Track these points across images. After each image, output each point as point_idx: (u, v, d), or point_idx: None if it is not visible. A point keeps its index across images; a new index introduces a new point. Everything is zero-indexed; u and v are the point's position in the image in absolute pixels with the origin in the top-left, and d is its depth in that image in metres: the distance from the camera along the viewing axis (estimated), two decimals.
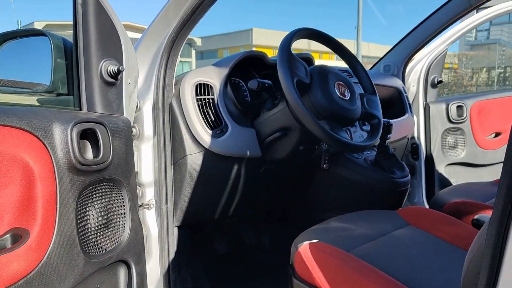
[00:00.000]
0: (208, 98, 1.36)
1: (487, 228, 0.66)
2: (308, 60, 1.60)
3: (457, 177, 2.49)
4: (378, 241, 1.25)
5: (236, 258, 1.86)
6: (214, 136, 1.33)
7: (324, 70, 1.34)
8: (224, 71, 1.41)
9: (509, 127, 2.58)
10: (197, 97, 1.34)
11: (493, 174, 2.61)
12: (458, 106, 2.40)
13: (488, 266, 0.64)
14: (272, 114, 1.39)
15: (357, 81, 1.54)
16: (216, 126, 1.35)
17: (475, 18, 2.26)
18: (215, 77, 1.40)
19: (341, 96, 1.32)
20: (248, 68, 1.55)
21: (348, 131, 1.38)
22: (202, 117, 1.33)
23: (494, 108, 2.54)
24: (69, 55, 1.13)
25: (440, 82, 2.38)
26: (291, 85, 1.20)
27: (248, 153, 1.39)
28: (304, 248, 1.16)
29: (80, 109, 1.10)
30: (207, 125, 1.33)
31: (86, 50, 1.08)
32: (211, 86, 1.38)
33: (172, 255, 1.40)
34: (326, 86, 1.30)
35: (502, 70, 19.38)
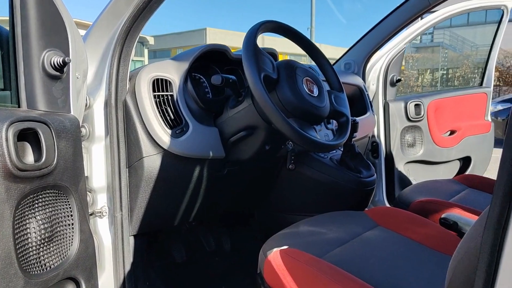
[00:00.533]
0: (166, 95, 1.25)
1: (483, 234, 0.61)
2: (273, 55, 1.52)
3: (415, 174, 2.51)
4: (349, 245, 1.19)
5: (197, 265, 1.76)
6: (173, 136, 1.22)
7: (291, 65, 1.27)
8: (184, 65, 1.31)
9: (462, 125, 2.64)
10: (155, 93, 1.23)
11: (449, 171, 2.67)
12: (416, 105, 2.42)
13: (484, 272, 0.59)
14: (236, 112, 1.30)
15: (323, 78, 1.48)
16: (176, 125, 1.24)
17: (432, 17, 2.29)
18: (174, 72, 1.29)
19: (310, 93, 1.25)
20: (209, 63, 1.45)
21: (314, 130, 1.32)
22: (160, 115, 1.22)
23: (449, 107, 2.59)
24: (5, 44, 0.99)
25: (399, 80, 2.39)
26: (258, 80, 1.11)
27: (210, 153, 1.29)
28: (273, 256, 1.08)
29: (19, 106, 0.96)
30: (165, 124, 1.22)
31: (26, 38, 0.94)
32: (169, 81, 1.27)
33: (128, 267, 1.28)
34: (294, 82, 1.23)
35: (445, 72, 20.39)
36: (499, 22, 2.68)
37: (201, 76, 1.41)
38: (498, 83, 15.56)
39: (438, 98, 2.54)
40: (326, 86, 1.47)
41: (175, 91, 1.27)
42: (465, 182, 1.89)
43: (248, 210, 1.82)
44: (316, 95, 1.26)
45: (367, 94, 2.21)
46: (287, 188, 1.64)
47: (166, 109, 1.24)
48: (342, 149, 1.62)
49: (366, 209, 1.72)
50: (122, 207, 1.23)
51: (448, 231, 1.31)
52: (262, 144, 1.33)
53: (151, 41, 24.66)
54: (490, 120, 2.76)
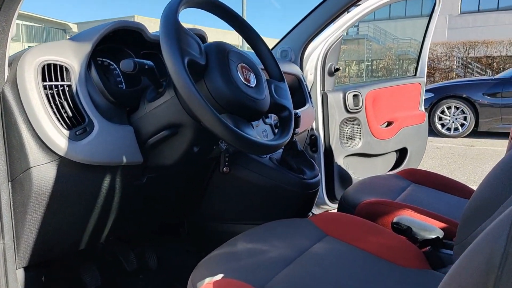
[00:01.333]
0: (62, 85, 0.97)
1: (506, 245, 0.44)
2: (201, 37, 1.28)
3: (354, 168, 2.41)
4: (297, 263, 1.00)
5: None
6: (73, 138, 0.94)
7: (223, 48, 1.04)
8: (86, 47, 1.02)
9: (398, 116, 2.58)
10: (45, 83, 0.94)
11: (387, 163, 2.60)
12: (354, 95, 2.30)
13: None
14: (156, 107, 1.05)
15: (261, 66, 1.26)
16: (76, 124, 0.97)
17: (371, 3, 2.17)
18: (72, 56, 1.00)
19: (246, 83, 1.03)
20: (122, 46, 1.18)
21: (252, 127, 1.10)
22: (54, 112, 0.94)
23: (385, 97, 2.51)
24: None
25: (337, 70, 2.25)
26: (181, 66, 0.87)
27: (124, 159, 1.03)
28: None
29: None
30: (61, 123, 0.94)
31: None
32: (66, 68, 0.98)
33: None
34: (227, 69, 1.00)
35: (369, 63, 21.28)
36: (432, 12, 2.64)
37: (111, 62, 1.13)
38: None
39: (375, 89, 2.44)
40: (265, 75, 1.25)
41: (74, 80, 0.98)
42: (409, 177, 1.79)
43: (176, 221, 1.57)
44: (253, 85, 1.05)
45: (306, 84, 2.04)
46: (221, 194, 1.42)
47: (61, 104, 0.96)
48: (282, 147, 1.43)
49: (310, 213, 1.55)
50: (3, 233, 0.93)
51: (403, 239, 1.17)
52: (189, 146, 1.09)
53: (74, 28, 22.96)
54: (423, 110, 2.74)
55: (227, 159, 1.31)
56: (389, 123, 2.54)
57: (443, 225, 1.29)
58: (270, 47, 1.53)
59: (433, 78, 16.35)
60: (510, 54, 15.96)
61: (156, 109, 1.05)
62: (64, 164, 0.95)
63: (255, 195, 1.38)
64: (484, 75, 15.48)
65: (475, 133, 6.66)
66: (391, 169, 2.60)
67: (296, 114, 1.30)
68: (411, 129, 2.61)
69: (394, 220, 1.24)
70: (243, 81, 1.02)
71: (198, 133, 1.07)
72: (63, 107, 0.96)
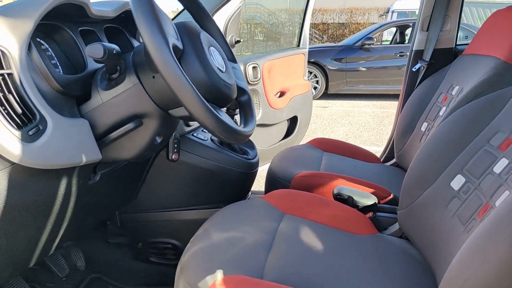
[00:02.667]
0: (1, 74, 0.77)
1: None
2: None
3: (254, 139, 2.47)
4: (276, 247, 1.02)
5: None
6: (25, 139, 0.77)
7: (194, 30, 0.94)
8: (26, 24, 0.82)
9: (289, 85, 2.71)
10: None
11: (280, 131, 2.74)
12: (253, 67, 2.33)
13: None
14: (115, 96, 0.91)
15: None
16: (27, 122, 0.79)
17: None
18: (6, 36, 0.80)
19: (219, 67, 0.96)
20: (55, 21, 0.97)
21: None
22: None
23: (278, 68, 2.61)
24: None
25: (238, 41, 2.24)
26: (169, 53, 0.77)
27: (83, 158, 0.88)
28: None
29: None
30: (10, 123, 0.76)
31: None
32: (2, 52, 0.78)
33: None
34: (203, 54, 0.91)
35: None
36: None
37: (41, 41, 0.94)
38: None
39: (269, 60, 2.51)
40: None
41: (15, 67, 0.79)
42: (320, 147, 1.93)
43: (112, 214, 1.43)
44: (224, 70, 0.99)
45: None
46: (165, 181, 1.32)
47: (5, 98, 0.76)
48: None
49: (250, 193, 1.56)
50: None
51: (351, 209, 1.28)
52: (153, 137, 0.99)
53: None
54: (307, 79, 2.93)
55: (175, 145, 1.22)
56: (282, 93, 2.66)
57: (372, 190, 1.44)
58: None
59: (279, 43, 17.36)
60: (341, 21, 17.83)
61: (115, 99, 0.91)
62: (17, 172, 0.77)
63: (201, 179, 1.33)
64: (321, 40, 17.07)
65: (326, 95, 7.39)
66: (284, 137, 2.74)
67: None
68: (300, 98, 2.78)
69: (335, 191, 1.34)
70: (216, 65, 0.95)
71: (163, 122, 0.97)
72: (8, 102, 0.76)
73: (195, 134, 1.34)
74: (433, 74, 1.80)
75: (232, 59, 1.17)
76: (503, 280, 0.65)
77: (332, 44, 7.67)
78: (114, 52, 0.84)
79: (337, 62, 7.32)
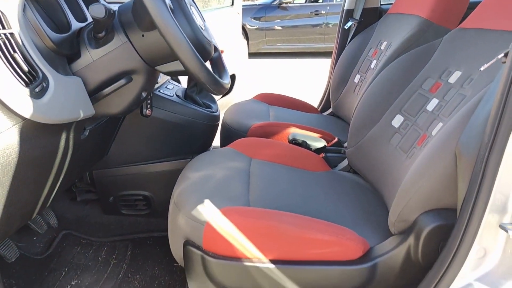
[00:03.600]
0: (5, 34, 0.80)
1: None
2: None
3: None
4: (253, 184, 1.17)
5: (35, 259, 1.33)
6: (34, 96, 0.82)
7: None
8: None
9: (226, 44, 2.80)
10: None
11: None
12: None
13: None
14: (105, 54, 0.97)
15: None
16: (32, 79, 0.83)
17: None
18: None
19: (200, 26, 1.05)
20: None
21: None
22: (9, 68, 0.78)
23: (216, 26, 2.67)
24: None
25: None
26: (168, 12, 0.85)
27: (81, 113, 0.94)
28: (214, 220, 0.96)
29: None
30: (18, 80, 0.80)
31: None
32: (2, 12, 0.80)
33: None
34: (188, 13, 1.00)
35: None
36: None
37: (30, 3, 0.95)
38: None
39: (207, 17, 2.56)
40: None
41: (14, 26, 0.82)
42: (265, 100, 2.09)
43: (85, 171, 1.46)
44: (204, 28, 1.07)
45: None
46: (136, 136, 1.39)
47: (13, 57, 0.80)
48: (180, 83, 1.48)
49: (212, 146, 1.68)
50: None
51: (307, 151, 1.47)
52: (140, 92, 1.06)
53: None
54: (242, 37, 3.03)
55: (149, 101, 1.29)
56: (221, 51, 2.74)
57: (320, 135, 1.64)
58: None
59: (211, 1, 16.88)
60: None
61: (105, 57, 0.97)
62: (28, 127, 0.82)
63: (170, 132, 1.42)
64: None
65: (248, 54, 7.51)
66: (224, 95, 2.86)
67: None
68: (236, 57, 2.89)
69: (291, 137, 1.52)
70: (199, 24, 1.04)
71: (149, 77, 1.05)
72: (15, 60, 0.80)
73: (161, 91, 1.41)
74: (362, 31, 2.02)
75: (202, 18, 1.25)
76: (445, 188, 0.87)
77: (251, 2, 7.76)
78: (112, 12, 0.90)
79: (256, 21, 7.42)
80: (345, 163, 1.47)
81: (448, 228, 0.87)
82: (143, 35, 0.98)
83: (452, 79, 1.13)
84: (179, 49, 0.87)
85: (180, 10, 0.98)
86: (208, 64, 1.16)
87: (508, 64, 0.72)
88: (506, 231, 0.73)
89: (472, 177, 0.78)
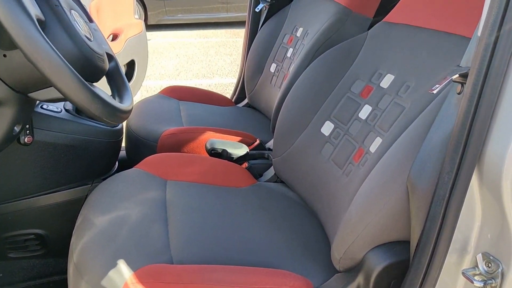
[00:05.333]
0: None
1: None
2: None
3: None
4: (171, 222, 0.99)
5: None
6: None
7: None
8: None
9: (120, 27, 2.47)
10: None
11: None
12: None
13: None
14: None
15: None
16: None
17: None
18: None
19: (86, 35, 0.80)
20: None
21: None
22: None
23: (105, 7, 2.33)
24: None
25: None
26: (31, 24, 0.61)
27: None
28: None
29: None
30: None
31: None
32: None
33: None
34: (68, 23, 0.74)
35: None
36: None
37: None
38: None
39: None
40: None
41: None
42: (173, 95, 1.86)
43: None
44: (92, 38, 0.83)
45: None
46: (21, 168, 1.10)
47: None
48: None
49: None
50: None
51: (227, 162, 1.30)
52: (10, 127, 0.80)
53: None
54: (138, 18, 2.70)
55: (27, 126, 1.01)
56: (114, 36, 2.41)
57: (239, 138, 1.48)
58: None
59: None
60: None
61: None
62: None
63: (62, 157, 1.15)
64: None
65: (146, 26, 6.98)
66: None
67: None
68: (134, 40, 2.57)
69: (209, 146, 1.34)
70: (83, 33, 0.79)
71: (21, 107, 0.79)
72: None
73: (45, 107, 1.13)
74: (275, 14, 1.86)
75: (89, 18, 0.99)
76: (397, 222, 0.77)
77: None
78: None
79: None
80: (271, 171, 1.34)
81: (400, 264, 0.78)
82: (4, 55, 0.72)
83: (385, 83, 1.03)
84: (55, 76, 0.64)
85: (55, 18, 0.73)
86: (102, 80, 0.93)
87: (467, 96, 0.62)
88: (472, 281, 0.65)
89: (429, 216, 0.69)
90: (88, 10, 2.02)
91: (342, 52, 1.19)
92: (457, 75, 0.66)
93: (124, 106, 0.84)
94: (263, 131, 1.67)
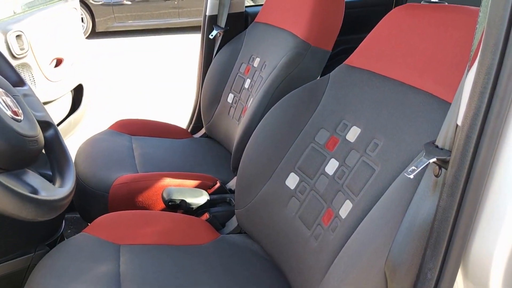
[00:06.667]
0: None
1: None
2: None
3: None
4: None
5: None
6: None
7: None
8: None
9: (66, 50, 2.29)
10: None
11: (64, 105, 2.34)
12: (17, 36, 1.86)
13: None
14: None
15: None
16: None
17: None
18: None
19: (14, 116, 0.68)
20: None
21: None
22: None
23: (48, 30, 2.15)
24: None
25: None
26: None
27: None
28: None
29: None
30: None
31: None
32: None
33: None
34: None
35: None
36: None
37: None
38: None
39: (37, 22, 2.04)
40: None
41: None
42: (125, 130, 1.74)
43: None
44: (22, 117, 0.71)
45: None
46: None
47: None
48: None
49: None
50: None
51: (185, 217, 1.21)
52: None
53: None
54: (84, 37, 2.53)
55: None
56: (59, 61, 2.24)
57: (198, 181, 1.39)
58: None
59: None
60: None
61: None
62: None
63: None
64: None
65: (95, 34, 6.70)
66: (70, 111, 2.37)
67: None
68: (80, 62, 2.41)
69: (166, 197, 1.25)
70: (9, 114, 0.68)
71: None
72: None
73: None
74: (230, 40, 1.78)
75: (21, 83, 0.86)
76: None
77: None
78: None
79: None
80: (234, 221, 1.25)
81: None
82: None
83: (351, 136, 0.98)
84: None
85: None
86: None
87: (449, 187, 0.57)
88: None
89: None
90: (26, 35, 1.85)
91: (303, 96, 1.13)
92: (434, 159, 0.61)
93: (63, 192, 0.73)
94: (224, 167, 1.59)
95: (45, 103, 2.08)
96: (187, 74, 4.86)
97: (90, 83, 2.48)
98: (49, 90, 2.10)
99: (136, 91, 4.33)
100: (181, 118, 2.17)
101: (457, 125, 0.57)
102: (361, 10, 2.08)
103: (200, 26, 1.89)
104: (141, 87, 4.45)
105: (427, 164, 0.62)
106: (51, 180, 0.82)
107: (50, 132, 0.87)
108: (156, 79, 4.72)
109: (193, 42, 6.32)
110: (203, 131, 1.89)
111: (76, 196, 1.39)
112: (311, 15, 1.38)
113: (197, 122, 1.95)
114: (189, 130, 1.97)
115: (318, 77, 1.45)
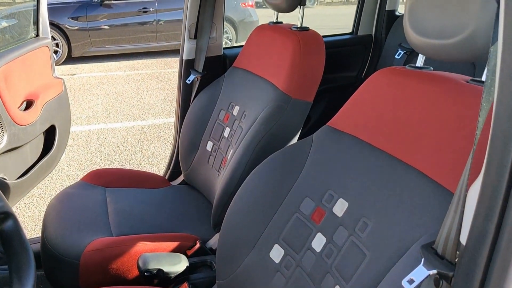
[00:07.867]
0: None
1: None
2: None
3: (5, 170, 1.94)
4: None
5: None
6: None
7: None
8: None
9: (36, 91, 2.20)
10: None
11: (36, 149, 2.24)
12: None
13: None
14: None
15: None
16: None
17: None
18: None
19: None
20: None
21: None
22: None
23: (17, 72, 2.06)
24: None
25: None
26: None
27: None
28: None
29: None
30: None
31: None
32: None
33: None
34: None
35: None
36: None
37: None
38: None
39: (4, 64, 1.95)
40: None
41: None
42: (97, 182, 1.65)
43: None
44: None
45: None
46: None
47: None
48: None
49: None
50: None
51: None
52: None
53: None
54: (57, 76, 2.44)
55: None
56: (29, 103, 2.14)
57: (176, 243, 1.31)
58: None
59: (6, 36, 14.31)
60: None
61: None
62: None
63: None
64: None
65: (71, 59, 6.58)
66: (42, 153, 2.26)
67: None
68: (54, 103, 2.31)
69: (142, 267, 1.17)
70: None
71: None
72: None
73: None
74: (208, 85, 1.73)
75: None
76: None
77: (69, 0, 6.72)
78: None
79: (77, 21, 6.53)
80: None
81: None
82: None
83: (338, 209, 0.92)
84: None
85: None
86: None
87: None
88: None
89: None
90: None
91: (286, 159, 1.07)
92: (435, 271, 0.56)
93: None
94: (203, 222, 1.51)
95: (14, 149, 1.98)
96: (163, 103, 4.78)
97: (63, 123, 2.38)
98: (19, 135, 2.00)
99: (113, 118, 4.22)
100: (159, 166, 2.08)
101: (459, 241, 0.52)
102: (340, 50, 2.06)
103: (179, 49, 1.82)
104: (116, 124, 4.35)
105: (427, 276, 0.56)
106: (7, 281, 0.74)
107: (8, 223, 0.79)
108: (131, 114, 4.63)
109: (171, 66, 6.26)
110: (181, 178, 1.82)
111: (45, 262, 1.29)
112: (291, 67, 1.33)
113: (175, 167, 1.88)
114: (166, 177, 1.89)
115: (300, 129, 1.41)
